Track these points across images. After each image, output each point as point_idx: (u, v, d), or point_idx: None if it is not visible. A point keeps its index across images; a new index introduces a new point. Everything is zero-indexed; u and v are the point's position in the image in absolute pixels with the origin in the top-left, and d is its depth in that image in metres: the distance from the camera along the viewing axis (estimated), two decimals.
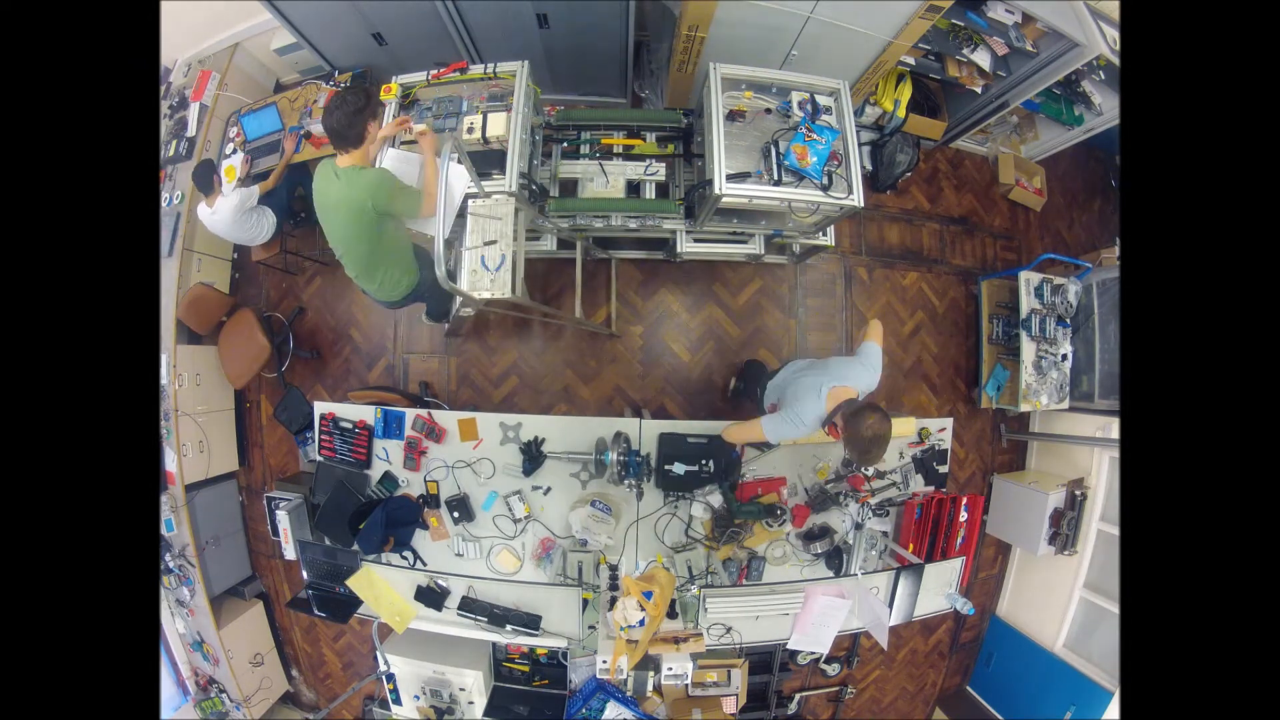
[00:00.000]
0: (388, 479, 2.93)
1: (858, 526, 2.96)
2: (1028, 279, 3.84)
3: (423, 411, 2.91)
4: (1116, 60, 3.32)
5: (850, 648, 4.23)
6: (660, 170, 2.88)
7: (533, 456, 2.82)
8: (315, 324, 4.15)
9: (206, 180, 3.38)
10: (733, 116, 2.62)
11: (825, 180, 2.55)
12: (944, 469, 3.12)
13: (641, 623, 2.47)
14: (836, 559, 2.96)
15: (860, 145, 3.99)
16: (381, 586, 2.94)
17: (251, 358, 3.73)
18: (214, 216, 3.45)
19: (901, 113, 3.91)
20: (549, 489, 2.89)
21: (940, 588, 3.23)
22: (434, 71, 2.60)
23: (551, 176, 2.81)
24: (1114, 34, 3.30)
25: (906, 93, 3.88)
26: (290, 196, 3.87)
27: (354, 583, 2.92)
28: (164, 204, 3.86)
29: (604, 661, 2.67)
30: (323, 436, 3.00)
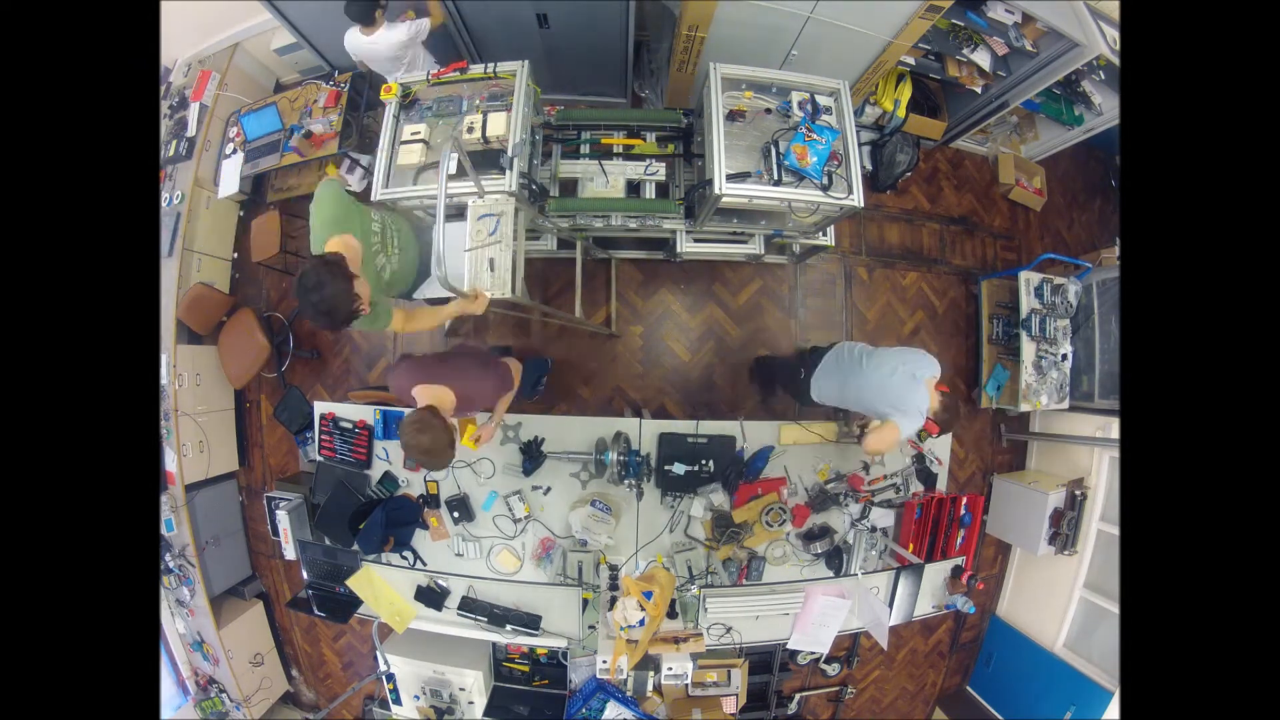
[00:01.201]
0: (388, 479, 2.93)
1: (860, 520, 2.96)
2: (1028, 279, 3.84)
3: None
4: (1116, 60, 3.32)
5: (850, 648, 4.23)
6: (660, 170, 2.88)
7: (533, 456, 2.82)
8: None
9: (366, 13, 2.95)
10: (733, 116, 2.62)
11: (825, 180, 2.54)
12: (937, 470, 3.12)
13: (641, 623, 2.47)
14: (836, 559, 2.96)
15: (860, 145, 3.99)
16: (381, 586, 2.94)
17: (251, 357, 3.73)
18: (370, 45, 3.06)
19: (901, 113, 3.91)
20: (549, 489, 2.89)
21: (938, 589, 3.24)
22: (434, 71, 2.60)
23: (551, 176, 2.81)
24: (1114, 34, 3.30)
25: (906, 93, 3.88)
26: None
27: (354, 583, 2.92)
28: (164, 204, 3.87)
29: (604, 661, 2.67)
30: (323, 436, 3.00)
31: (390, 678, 3.19)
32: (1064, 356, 3.90)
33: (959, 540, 3.16)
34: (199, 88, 4.00)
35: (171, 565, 3.72)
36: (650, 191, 2.91)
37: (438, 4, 3.15)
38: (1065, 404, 3.92)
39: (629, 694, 3.20)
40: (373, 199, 2.44)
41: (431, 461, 2.00)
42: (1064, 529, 3.85)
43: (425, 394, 2.12)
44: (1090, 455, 3.96)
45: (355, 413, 3.01)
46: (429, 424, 1.95)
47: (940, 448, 3.16)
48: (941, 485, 3.15)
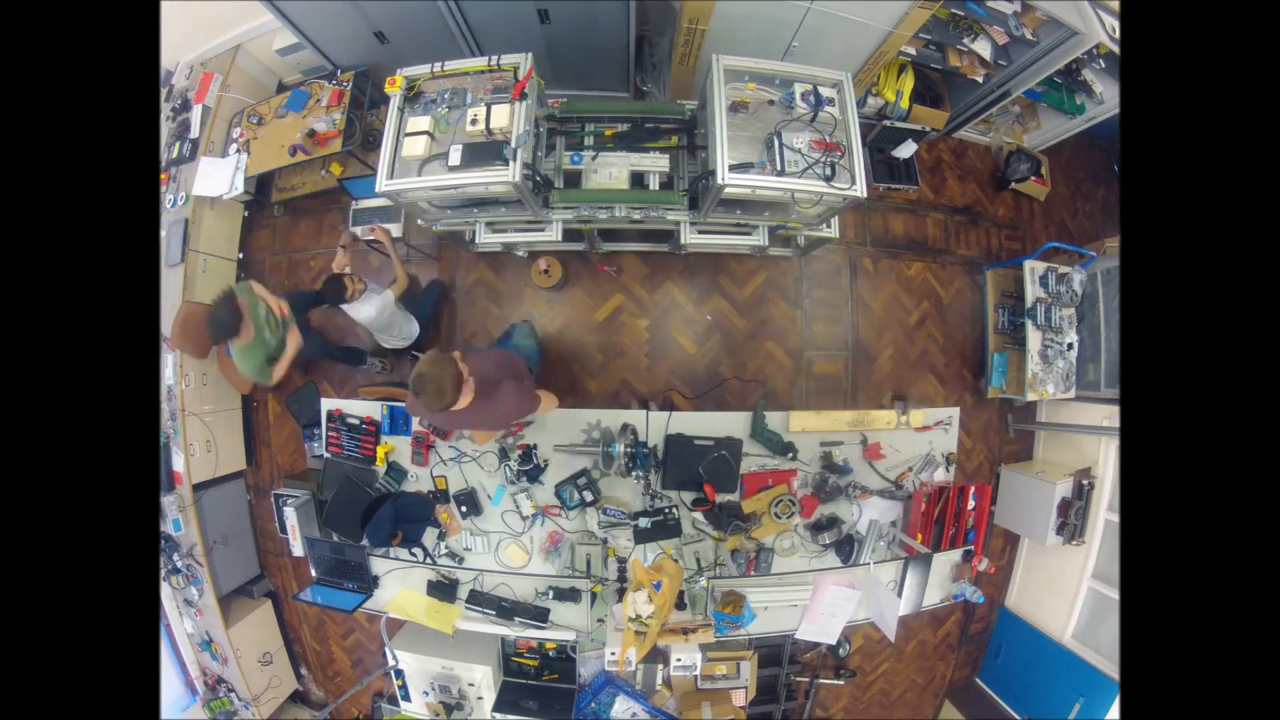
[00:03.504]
0: (394, 469, 2.93)
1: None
2: (1032, 268, 3.83)
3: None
4: (1116, 48, 3.31)
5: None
6: (664, 162, 2.89)
7: (530, 463, 2.82)
8: (322, 324, 4.15)
9: (338, 295, 3.14)
10: (735, 108, 2.62)
11: (828, 171, 2.55)
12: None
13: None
14: (847, 547, 2.96)
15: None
16: (418, 600, 2.97)
17: None
18: (358, 313, 3.24)
19: (904, 103, 3.91)
20: (556, 485, 2.89)
21: (946, 578, 3.24)
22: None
23: (556, 168, 2.82)
24: (1113, 22, 3.30)
25: (908, 83, 3.87)
26: (437, 303, 3.88)
27: (393, 608, 2.96)
28: (168, 205, 3.88)
29: (612, 654, 2.67)
30: (330, 433, 3.01)
31: (399, 674, 3.19)
32: (1070, 345, 3.89)
33: (967, 530, 3.16)
34: (201, 90, 4.01)
35: (180, 565, 3.72)
36: (654, 183, 2.91)
37: (403, 270, 3.40)
38: (1071, 393, 3.91)
39: (638, 688, 3.20)
40: (377, 190, 2.46)
41: (434, 396, 2.02)
42: (1072, 519, 3.83)
43: None
44: (1097, 445, 3.94)
45: (363, 409, 3.02)
46: (441, 359, 2.03)
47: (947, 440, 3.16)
48: (948, 476, 3.15)
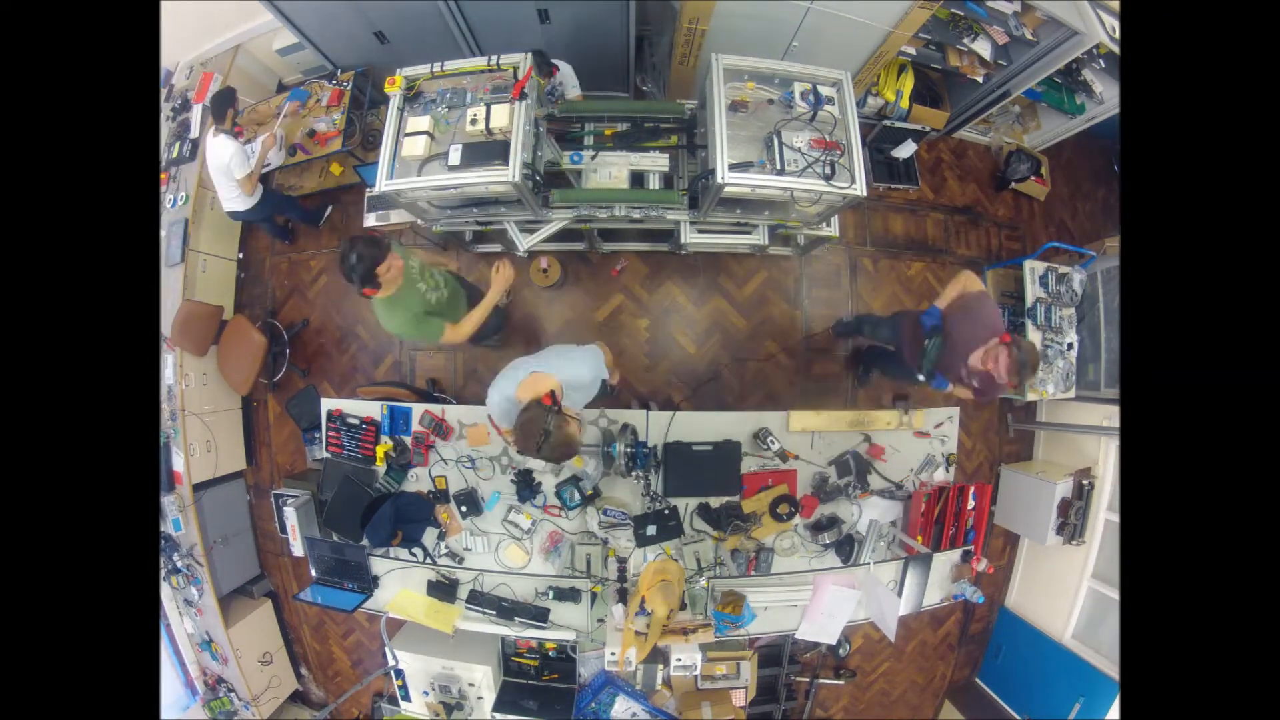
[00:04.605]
0: (394, 468, 2.93)
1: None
2: (1032, 268, 3.83)
3: (434, 408, 2.92)
4: (1116, 48, 3.31)
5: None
6: (664, 161, 2.89)
7: (528, 484, 2.83)
8: (322, 323, 4.17)
9: (221, 110, 3.32)
10: (735, 107, 2.62)
11: (828, 170, 2.55)
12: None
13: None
14: (847, 546, 2.96)
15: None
16: (418, 600, 2.96)
17: (250, 358, 3.71)
18: (216, 150, 3.35)
19: (905, 103, 3.91)
20: (556, 485, 2.89)
21: (946, 578, 3.23)
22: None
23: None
24: (1112, 22, 3.30)
25: (909, 83, 3.87)
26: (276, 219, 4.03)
27: (393, 608, 2.95)
28: (168, 205, 3.88)
29: (613, 654, 2.67)
30: (330, 433, 3.01)
31: (399, 674, 3.19)
32: (1070, 345, 3.89)
33: (967, 530, 3.16)
34: (201, 90, 4.01)
35: (180, 565, 3.72)
36: (654, 182, 2.91)
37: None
38: (1071, 393, 3.91)
39: (638, 688, 3.20)
40: (378, 190, 2.46)
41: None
42: (1072, 519, 3.83)
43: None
44: (1097, 445, 3.95)
45: (362, 409, 3.01)
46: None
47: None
48: (948, 476, 3.15)
